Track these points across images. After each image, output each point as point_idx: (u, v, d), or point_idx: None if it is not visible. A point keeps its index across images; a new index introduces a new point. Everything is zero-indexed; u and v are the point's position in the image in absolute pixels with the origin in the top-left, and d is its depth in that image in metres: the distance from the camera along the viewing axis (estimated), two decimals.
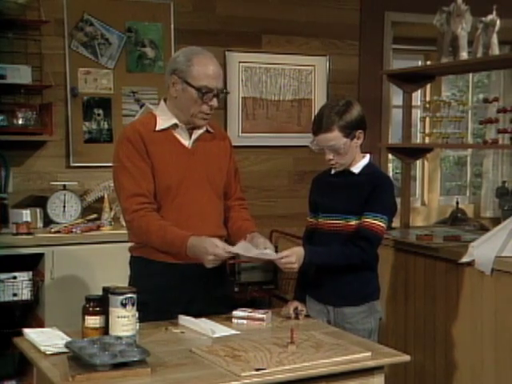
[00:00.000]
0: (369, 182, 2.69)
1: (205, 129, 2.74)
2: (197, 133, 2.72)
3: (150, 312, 2.54)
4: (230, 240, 2.79)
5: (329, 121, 2.63)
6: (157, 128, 2.68)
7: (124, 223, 4.33)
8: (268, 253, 2.55)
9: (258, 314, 2.63)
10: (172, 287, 2.66)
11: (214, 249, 2.48)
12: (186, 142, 2.71)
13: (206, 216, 2.71)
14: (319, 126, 2.66)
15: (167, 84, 2.69)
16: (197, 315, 2.59)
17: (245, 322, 2.62)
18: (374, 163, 2.83)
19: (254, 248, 2.57)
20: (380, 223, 2.65)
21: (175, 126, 2.69)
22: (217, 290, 2.76)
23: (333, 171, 2.77)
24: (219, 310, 2.70)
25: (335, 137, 2.63)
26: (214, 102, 2.64)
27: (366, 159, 2.75)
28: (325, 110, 2.67)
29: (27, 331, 2.43)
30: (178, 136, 2.71)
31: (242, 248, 2.55)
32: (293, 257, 2.54)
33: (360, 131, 2.67)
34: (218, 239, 2.54)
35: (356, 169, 2.73)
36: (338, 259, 2.65)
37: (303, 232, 2.92)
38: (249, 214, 2.90)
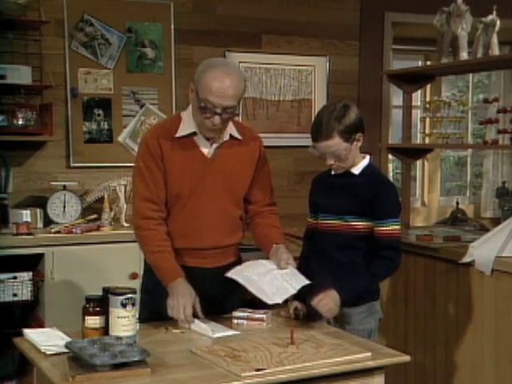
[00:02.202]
0: (370, 185, 2.69)
1: (228, 137, 2.69)
2: (218, 141, 2.67)
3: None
4: (257, 247, 2.82)
5: (328, 127, 2.62)
6: (177, 135, 2.65)
7: (124, 223, 4.37)
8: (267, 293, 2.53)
9: (257, 314, 2.63)
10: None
11: (178, 312, 2.50)
12: (206, 150, 2.67)
13: (216, 226, 2.70)
14: (319, 132, 2.65)
15: (190, 86, 2.66)
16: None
17: (245, 322, 2.63)
18: (373, 164, 2.83)
19: (261, 275, 2.56)
20: (396, 227, 2.67)
21: (194, 133, 2.65)
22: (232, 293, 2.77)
23: (333, 172, 2.77)
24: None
25: (336, 143, 2.63)
26: (215, 120, 2.54)
27: (366, 160, 2.75)
28: (323, 115, 2.66)
29: (27, 331, 2.43)
30: (199, 143, 2.66)
31: (244, 278, 2.55)
32: (325, 299, 2.54)
33: (359, 134, 2.67)
34: (197, 301, 2.53)
35: (356, 170, 2.73)
36: (373, 280, 2.68)
37: (303, 232, 2.92)
38: (278, 221, 2.86)
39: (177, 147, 2.64)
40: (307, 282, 2.58)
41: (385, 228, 2.66)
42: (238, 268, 2.64)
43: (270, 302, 2.50)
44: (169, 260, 2.61)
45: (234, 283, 2.63)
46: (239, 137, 2.73)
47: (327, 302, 2.54)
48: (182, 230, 2.68)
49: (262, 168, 2.82)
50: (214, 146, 2.67)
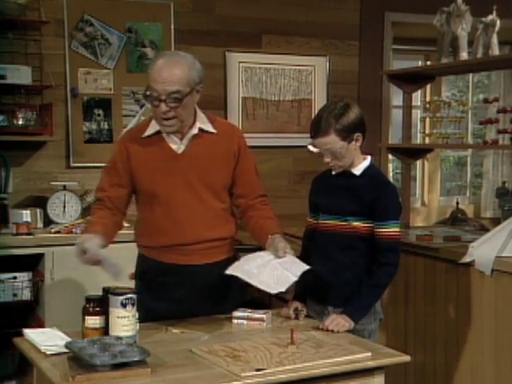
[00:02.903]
0: (371, 187, 2.69)
1: (196, 130, 2.67)
2: (187, 137, 2.67)
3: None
4: (254, 240, 2.81)
5: (326, 124, 2.62)
6: (144, 134, 2.68)
7: (124, 223, 4.36)
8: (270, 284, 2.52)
9: (257, 314, 2.63)
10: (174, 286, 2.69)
11: (80, 254, 2.52)
12: (175, 146, 2.67)
13: (195, 219, 2.68)
14: (316, 129, 2.65)
15: None
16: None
17: (245, 322, 2.63)
18: (374, 165, 2.83)
19: (261, 267, 2.55)
20: (396, 229, 2.68)
21: (161, 132, 2.66)
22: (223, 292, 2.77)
23: (333, 172, 2.77)
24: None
25: (332, 140, 2.63)
26: (162, 108, 2.54)
27: (367, 161, 2.75)
28: (323, 113, 2.66)
29: (27, 331, 2.43)
30: (168, 140, 2.67)
31: (244, 272, 2.53)
32: (337, 319, 2.55)
33: (358, 134, 2.67)
34: (96, 245, 2.52)
35: (357, 171, 2.73)
36: (379, 291, 2.69)
37: (303, 232, 2.92)
38: (271, 211, 2.85)
39: (145, 146, 2.67)
40: (307, 267, 2.57)
41: (385, 230, 2.66)
42: (236, 264, 2.62)
43: (273, 291, 2.48)
44: (92, 223, 2.70)
45: (227, 282, 2.65)
46: (212, 130, 2.71)
47: (339, 321, 2.55)
48: (163, 227, 2.68)
49: (245, 161, 2.79)
50: (184, 141, 2.67)
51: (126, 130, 2.99)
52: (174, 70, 2.54)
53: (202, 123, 2.69)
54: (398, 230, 2.69)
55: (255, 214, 2.81)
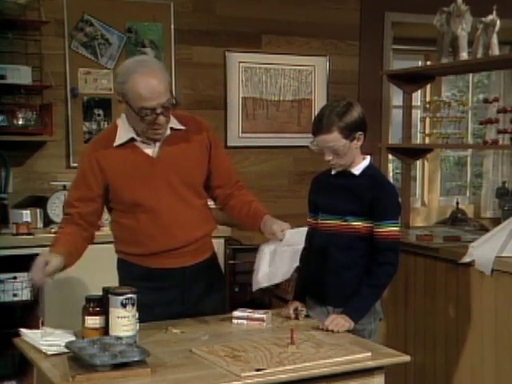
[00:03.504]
0: (370, 187, 2.69)
1: (169, 131, 2.62)
2: (160, 139, 2.61)
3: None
4: (243, 228, 2.79)
5: (328, 122, 2.62)
6: (115, 144, 2.60)
7: None
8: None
9: (257, 314, 2.63)
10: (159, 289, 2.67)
11: (35, 272, 2.39)
12: (150, 151, 2.61)
13: (184, 222, 2.64)
14: (319, 126, 2.65)
15: (118, 98, 2.60)
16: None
17: (245, 322, 2.63)
18: (374, 165, 2.83)
19: (272, 263, 2.58)
20: (395, 229, 2.68)
21: (133, 139, 2.60)
22: (209, 293, 2.76)
23: (333, 172, 2.77)
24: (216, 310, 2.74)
25: (334, 138, 2.63)
26: (160, 120, 2.50)
27: (367, 161, 2.75)
28: (325, 110, 2.67)
29: (24, 331, 2.43)
30: (141, 146, 2.61)
31: (266, 278, 2.58)
32: (336, 319, 2.56)
33: (360, 133, 2.67)
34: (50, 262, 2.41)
35: (357, 170, 2.73)
36: (379, 292, 2.70)
37: None
38: (250, 193, 2.82)
39: (118, 156, 2.59)
40: (305, 228, 2.62)
41: (384, 229, 2.66)
42: (256, 276, 2.61)
43: (254, 287, 2.57)
44: (56, 240, 2.59)
45: (213, 277, 2.75)
46: (181, 127, 2.66)
47: (339, 321, 2.55)
48: (152, 235, 2.63)
49: (216, 151, 2.75)
50: (158, 144, 2.62)
51: (91, 141, 2.91)
52: (157, 81, 2.48)
53: (172, 122, 2.63)
54: (397, 229, 2.69)
55: (237, 202, 2.77)
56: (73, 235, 2.60)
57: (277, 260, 2.59)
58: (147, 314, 2.48)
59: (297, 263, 2.55)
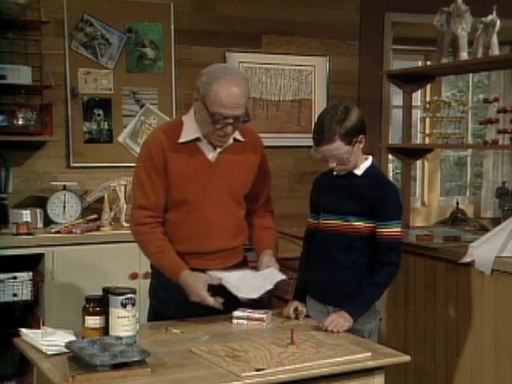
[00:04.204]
0: (372, 187, 2.69)
1: (231, 141, 2.69)
2: (223, 146, 2.68)
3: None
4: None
5: (330, 131, 2.61)
6: (180, 140, 2.65)
7: (124, 223, 4.37)
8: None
9: (257, 314, 2.63)
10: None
11: (198, 293, 2.55)
12: (210, 155, 2.67)
13: (222, 230, 2.71)
14: (321, 137, 2.64)
15: (194, 96, 2.65)
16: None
17: (245, 322, 2.63)
18: (376, 165, 2.84)
19: (239, 279, 2.61)
20: (397, 229, 2.68)
21: (198, 139, 2.66)
22: None
23: (334, 172, 2.77)
24: None
25: (337, 147, 2.63)
26: (228, 130, 2.58)
27: (369, 161, 2.75)
28: (325, 119, 2.65)
29: (24, 331, 2.43)
30: (203, 148, 2.67)
31: (222, 279, 2.59)
32: (336, 319, 2.56)
33: (361, 136, 2.67)
34: (207, 278, 2.58)
35: (358, 171, 2.73)
36: (380, 290, 2.70)
37: (304, 232, 2.92)
38: (271, 219, 2.89)
39: (180, 153, 2.64)
40: (284, 277, 2.65)
41: (386, 230, 2.66)
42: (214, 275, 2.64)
43: (245, 296, 2.56)
44: (170, 257, 2.64)
45: None
46: (242, 139, 2.74)
47: (338, 321, 2.56)
48: (188, 235, 2.69)
49: (263, 167, 2.84)
50: (218, 150, 2.68)
51: (157, 128, 2.95)
52: (240, 94, 2.55)
53: (235, 133, 2.69)
54: (399, 229, 2.70)
55: (256, 222, 2.86)
56: (165, 239, 2.68)
57: (243, 279, 2.61)
58: (181, 310, 2.61)
59: (254, 296, 2.56)
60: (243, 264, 2.84)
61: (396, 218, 2.69)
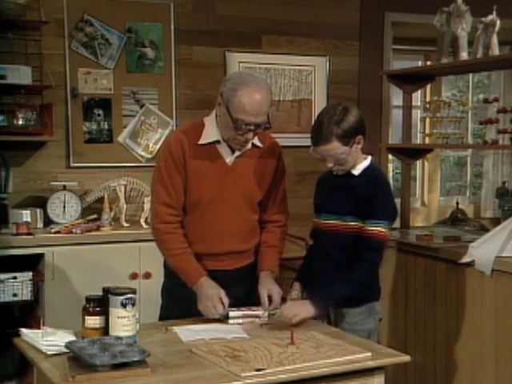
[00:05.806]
0: (366, 185, 2.69)
1: (250, 146, 2.71)
2: (241, 150, 2.70)
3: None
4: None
5: (327, 132, 2.62)
6: (200, 142, 2.67)
7: (124, 223, 4.37)
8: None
9: (252, 311, 2.64)
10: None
11: (211, 314, 2.60)
12: (228, 158, 2.70)
13: (235, 233, 2.74)
14: (318, 137, 2.65)
15: (217, 100, 2.67)
16: None
17: (241, 321, 2.63)
18: (374, 165, 2.83)
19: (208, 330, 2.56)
20: (382, 229, 2.67)
21: (217, 141, 2.68)
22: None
23: (334, 172, 2.77)
24: None
25: (334, 147, 2.64)
26: (249, 136, 2.61)
27: (367, 161, 2.76)
28: (323, 119, 2.66)
29: (24, 331, 2.43)
30: (222, 151, 2.69)
31: (194, 333, 2.52)
32: (293, 306, 2.59)
33: (359, 136, 2.67)
34: (223, 293, 2.61)
35: (356, 171, 2.73)
36: (354, 287, 2.66)
37: (309, 232, 2.93)
38: (280, 236, 2.87)
39: (199, 154, 2.67)
40: (245, 335, 2.50)
41: (370, 228, 2.66)
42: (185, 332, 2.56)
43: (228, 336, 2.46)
44: (190, 261, 2.67)
45: (255, 282, 2.74)
46: (260, 145, 2.76)
47: (293, 309, 2.57)
48: (201, 236, 2.72)
49: (280, 175, 2.85)
50: (236, 154, 2.70)
51: (178, 128, 2.97)
52: (263, 102, 2.58)
53: (254, 138, 2.71)
54: (384, 230, 2.68)
55: (263, 237, 2.86)
56: (186, 242, 2.70)
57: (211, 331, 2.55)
58: (189, 309, 2.63)
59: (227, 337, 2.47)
60: (254, 265, 2.83)
61: (383, 219, 2.68)
